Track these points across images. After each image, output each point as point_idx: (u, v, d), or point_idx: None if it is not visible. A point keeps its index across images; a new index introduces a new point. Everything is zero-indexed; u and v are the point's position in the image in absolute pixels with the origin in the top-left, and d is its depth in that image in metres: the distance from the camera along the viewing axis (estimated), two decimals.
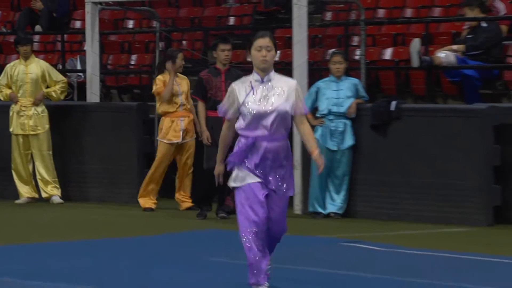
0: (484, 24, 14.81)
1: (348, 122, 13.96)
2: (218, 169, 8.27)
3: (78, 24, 20.22)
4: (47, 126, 15.83)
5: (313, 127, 14.03)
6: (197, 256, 10.72)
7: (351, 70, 14.76)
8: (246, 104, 7.98)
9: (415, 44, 14.79)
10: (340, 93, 14.00)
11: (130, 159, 15.53)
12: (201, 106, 13.69)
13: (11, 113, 15.86)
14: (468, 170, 13.10)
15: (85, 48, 17.04)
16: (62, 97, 16.01)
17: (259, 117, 7.98)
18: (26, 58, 15.90)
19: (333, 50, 15.29)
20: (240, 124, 8.07)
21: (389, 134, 13.71)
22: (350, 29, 16.81)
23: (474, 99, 14.52)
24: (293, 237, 12.24)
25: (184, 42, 19.00)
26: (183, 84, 14.68)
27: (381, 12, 17.98)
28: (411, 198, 13.51)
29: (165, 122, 14.65)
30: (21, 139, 15.82)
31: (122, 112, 16.18)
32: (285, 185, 8.13)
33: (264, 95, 8.00)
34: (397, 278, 9.46)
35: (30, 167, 15.91)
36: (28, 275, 9.57)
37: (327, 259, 10.63)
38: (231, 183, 8.11)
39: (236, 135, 8.20)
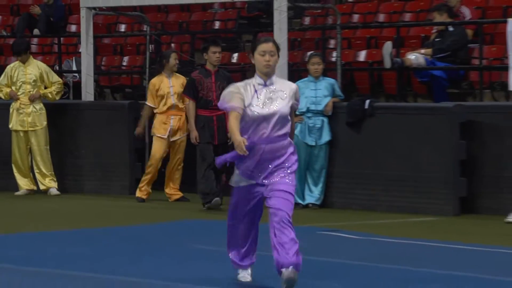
0: (451, 28, 14.86)
1: (325, 119, 13.99)
2: (239, 138, 7.56)
3: (73, 28, 20.19)
4: (44, 123, 15.80)
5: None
6: (183, 244, 10.74)
7: (328, 71, 14.77)
8: (251, 107, 7.71)
9: (387, 47, 14.83)
10: (318, 92, 14.03)
11: (122, 153, 15.51)
12: (191, 105, 13.64)
13: (11, 111, 15.81)
14: (436, 164, 13.15)
15: (80, 50, 17.02)
16: (57, 97, 15.97)
17: (262, 119, 7.72)
18: (23, 61, 15.85)
19: (311, 52, 15.28)
20: (240, 126, 7.73)
21: (363, 130, 13.75)
22: (327, 33, 16.83)
23: (442, 98, 14.57)
24: (265, 226, 12.27)
25: (172, 44, 18.96)
26: (176, 85, 14.66)
27: (355, 17, 18.04)
28: (384, 190, 13.55)
29: (157, 119, 14.68)
30: (20, 135, 15.78)
31: (115, 110, 16.16)
32: (285, 180, 7.77)
33: (267, 98, 7.76)
34: (371, 264, 9.48)
35: (29, 161, 15.90)
36: (27, 261, 9.56)
37: (306, 247, 10.55)
38: (231, 182, 7.97)
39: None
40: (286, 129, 7.81)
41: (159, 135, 14.64)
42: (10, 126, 15.84)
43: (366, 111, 13.69)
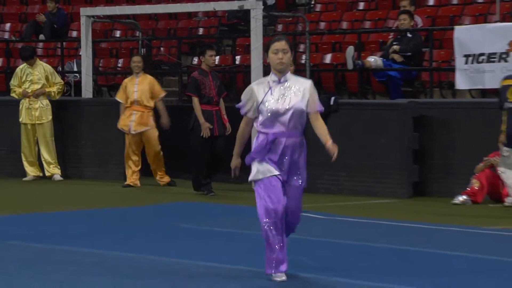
0: (409, 35, 14.87)
1: None
2: (235, 162, 7.49)
3: (74, 33, 20.09)
4: (50, 117, 15.77)
5: None
6: (171, 224, 10.74)
7: (298, 72, 14.74)
8: (265, 103, 7.19)
9: (350, 51, 14.84)
10: None
11: (117, 144, 15.44)
12: (196, 101, 13.44)
13: (21, 106, 15.77)
14: (393, 153, 13.18)
15: (80, 53, 16.97)
16: (58, 97, 15.89)
17: (277, 115, 7.19)
18: (31, 65, 15.81)
19: None
20: (259, 122, 7.27)
21: (329, 124, 13.53)
22: (297, 38, 16.82)
23: (397, 96, 14.60)
24: (247, 208, 12.27)
25: (162, 48, 18.96)
26: (142, 84, 14.62)
27: (322, 25, 18.05)
28: (347, 176, 13.57)
29: (124, 114, 14.72)
30: (28, 128, 15.74)
31: (111, 106, 16.06)
32: (300, 177, 7.34)
33: (281, 94, 7.22)
34: (335, 240, 9.52)
35: (36, 150, 15.86)
36: (34, 238, 9.57)
37: None
38: (250, 177, 7.32)
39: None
40: (302, 124, 7.29)
41: (120, 128, 14.68)
42: (20, 119, 15.79)
43: (332, 107, 13.69)
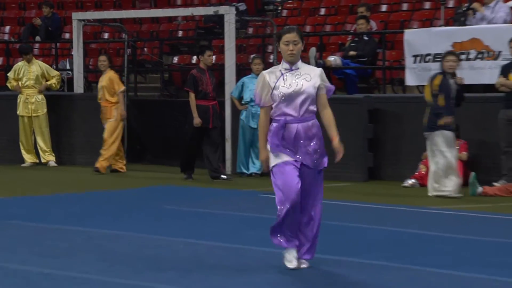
0: (366, 37, 14.92)
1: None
2: (263, 155, 6.75)
3: (67, 35, 19.97)
4: (45, 110, 15.71)
5: (239, 111, 14.10)
6: (156, 205, 10.73)
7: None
8: (278, 88, 6.64)
9: (312, 51, 14.83)
10: None
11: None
12: (193, 96, 13.30)
13: (18, 100, 15.72)
14: (350, 142, 13.09)
15: (72, 53, 16.88)
16: (58, 87, 16.01)
17: (289, 99, 6.62)
18: (28, 61, 15.80)
19: (254, 55, 15.30)
20: (274, 107, 6.73)
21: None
22: (266, 40, 16.84)
23: (354, 91, 14.64)
24: (224, 190, 12.31)
25: (145, 49, 18.91)
26: (105, 80, 14.49)
27: None
28: None
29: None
30: (25, 119, 15.70)
31: None
32: (317, 161, 6.70)
33: (293, 80, 6.66)
34: None
35: (32, 140, 15.80)
36: (30, 218, 9.53)
37: (250, 206, 10.69)
38: (272, 164, 6.68)
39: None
40: (314, 108, 6.71)
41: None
42: (18, 112, 15.75)
43: None
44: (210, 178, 13.33)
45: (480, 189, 11.67)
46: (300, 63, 6.77)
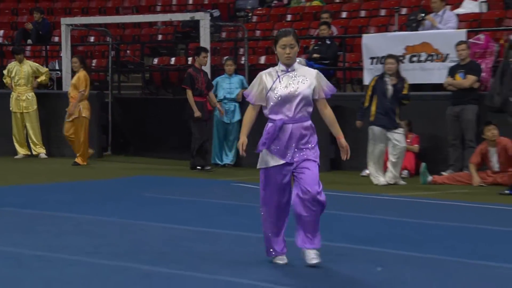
0: (328, 41, 14.95)
1: (237, 104, 14.02)
2: (242, 140, 6.36)
3: (56, 39, 19.82)
4: (35, 106, 15.63)
5: (214, 108, 14.10)
6: (137, 193, 10.71)
7: (239, 70, 14.80)
8: (274, 90, 6.16)
9: None
10: (231, 85, 14.04)
11: (91, 129, 15.29)
12: (190, 93, 13.17)
13: (11, 98, 15.66)
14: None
15: (61, 55, 16.78)
16: (48, 81, 16.06)
17: (285, 100, 6.14)
18: (20, 61, 15.74)
19: (227, 57, 15.29)
20: (268, 109, 6.24)
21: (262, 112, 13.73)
22: (238, 43, 16.84)
23: None
24: (200, 180, 12.31)
25: (128, 51, 18.82)
26: (74, 79, 14.25)
27: (258, 32, 18.07)
28: None
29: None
30: (18, 115, 15.63)
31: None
32: (310, 159, 6.25)
33: (289, 82, 6.17)
34: None
35: (24, 134, 15.72)
36: (24, 205, 9.48)
37: (223, 194, 10.70)
38: (258, 165, 6.30)
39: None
40: (309, 110, 6.25)
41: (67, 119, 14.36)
42: (10, 108, 15.68)
43: None
44: (191, 168, 13.30)
45: (430, 178, 11.78)
46: (296, 65, 6.28)
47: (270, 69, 6.32)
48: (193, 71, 13.42)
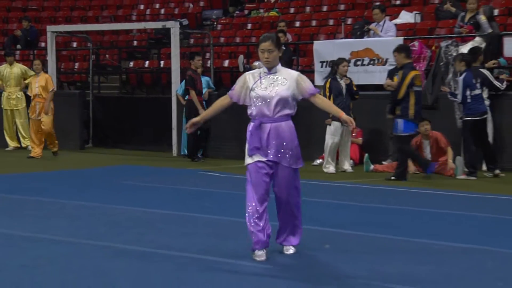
0: (283, 47, 14.90)
1: (204, 102, 13.92)
2: (196, 119, 6.22)
3: (43, 44, 19.54)
4: (24, 104, 15.38)
5: (183, 106, 14.00)
6: (115, 180, 10.62)
7: (205, 72, 14.73)
8: (254, 90, 5.81)
9: (241, 58, 14.85)
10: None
11: (74, 124, 15.20)
12: (194, 93, 13.03)
13: (2, 97, 15.47)
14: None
15: (47, 58, 16.52)
16: None
17: (264, 100, 5.77)
18: (10, 63, 15.53)
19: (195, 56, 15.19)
20: (249, 109, 5.91)
21: (228, 110, 13.64)
22: (204, 49, 16.76)
23: None
24: (171, 169, 12.25)
25: (107, 55, 18.63)
26: (41, 80, 13.82)
27: (222, 39, 17.98)
28: (238, 146, 13.52)
29: (31, 104, 13.99)
30: (8, 112, 15.42)
31: (70, 97, 15.90)
32: (289, 158, 5.79)
33: (269, 83, 5.80)
34: (229, 191, 9.55)
35: (14, 128, 15.51)
36: (12, 191, 9.34)
37: (192, 181, 10.65)
38: (245, 162, 5.89)
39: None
40: (288, 111, 5.84)
41: (31, 116, 13.97)
42: (2, 106, 15.48)
43: None
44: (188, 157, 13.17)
45: (372, 166, 11.84)
46: (279, 67, 5.88)
47: (256, 71, 5.97)
48: (192, 74, 13.30)
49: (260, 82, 5.84)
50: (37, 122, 13.86)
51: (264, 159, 5.78)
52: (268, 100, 5.78)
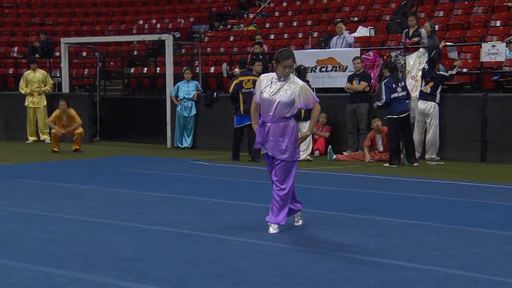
0: (260, 56, 14.87)
1: (193, 102, 13.86)
2: (254, 127, 5.95)
3: (57, 53, 19.36)
4: (45, 103, 15.27)
5: (175, 105, 13.93)
6: (118, 168, 10.55)
7: (194, 77, 14.65)
8: (263, 93, 5.74)
9: (224, 66, 14.79)
10: (189, 88, 13.88)
11: (84, 121, 14.89)
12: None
13: (26, 97, 15.33)
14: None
15: (61, 65, 16.38)
16: (51, 91, 15.56)
17: (268, 102, 5.72)
18: (34, 70, 15.41)
19: (185, 67, 15.11)
20: (260, 108, 5.87)
21: (214, 109, 13.68)
22: (194, 57, 16.68)
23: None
24: (164, 159, 12.18)
25: (111, 63, 18.53)
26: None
27: (209, 49, 17.94)
28: (223, 139, 13.55)
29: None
30: (31, 110, 15.31)
31: (80, 98, 15.69)
32: (284, 153, 5.76)
33: (276, 89, 5.71)
34: (216, 177, 9.51)
35: (35, 124, 15.37)
36: (31, 178, 9.23)
37: (183, 169, 10.60)
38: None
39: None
40: (289, 113, 5.74)
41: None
42: (26, 104, 15.35)
43: (215, 98, 13.62)
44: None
45: (334, 156, 11.86)
46: (291, 76, 5.76)
47: (271, 74, 5.83)
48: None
49: (270, 87, 5.75)
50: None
51: (265, 151, 5.85)
52: (271, 102, 5.73)
